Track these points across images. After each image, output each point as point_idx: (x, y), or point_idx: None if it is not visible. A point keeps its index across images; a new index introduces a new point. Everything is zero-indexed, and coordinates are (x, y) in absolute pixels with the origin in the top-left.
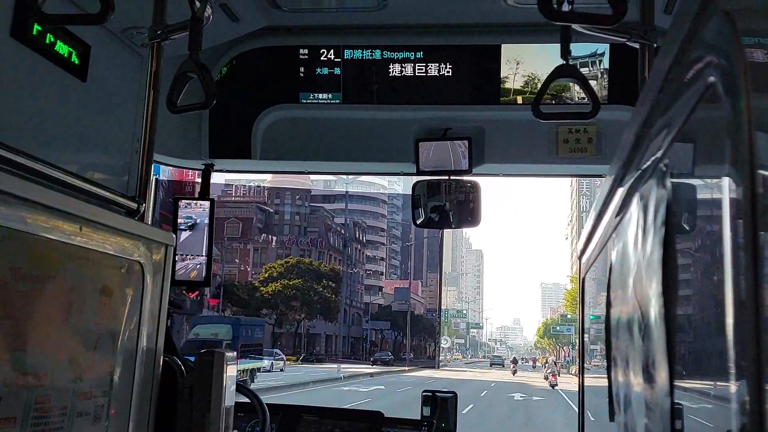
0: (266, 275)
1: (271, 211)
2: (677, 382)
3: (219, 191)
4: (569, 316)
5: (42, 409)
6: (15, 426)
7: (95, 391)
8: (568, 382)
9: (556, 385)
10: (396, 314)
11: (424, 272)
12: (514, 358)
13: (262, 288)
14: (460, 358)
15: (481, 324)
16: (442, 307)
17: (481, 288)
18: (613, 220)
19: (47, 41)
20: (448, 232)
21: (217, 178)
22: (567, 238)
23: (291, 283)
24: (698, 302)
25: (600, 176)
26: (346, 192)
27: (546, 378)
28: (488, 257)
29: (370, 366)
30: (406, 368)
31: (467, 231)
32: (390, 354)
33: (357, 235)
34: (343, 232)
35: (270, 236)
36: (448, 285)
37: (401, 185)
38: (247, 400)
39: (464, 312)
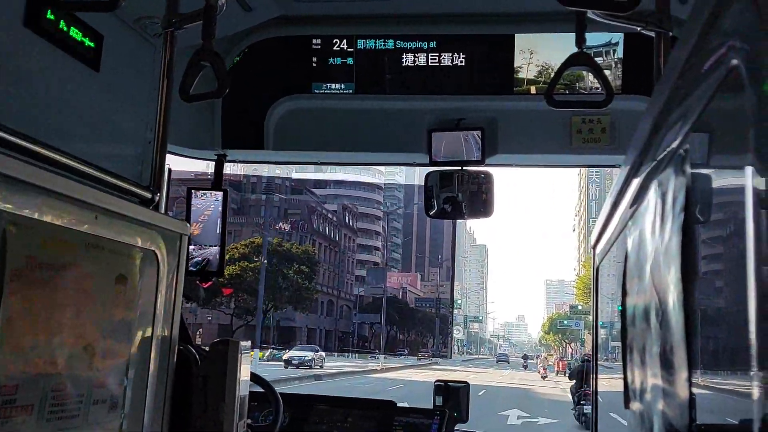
0: (227, 257)
1: (248, 190)
2: (696, 370)
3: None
4: (580, 308)
5: (58, 397)
6: (32, 414)
7: (111, 379)
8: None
9: (546, 376)
10: (387, 306)
11: (426, 266)
12: (525, 354)
13: None
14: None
15: (480, 317)
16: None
17: (485, 283)
18: (628, 209)
19: (60, 31)
20: (451, 225)
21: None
22: (574, 230)
23: (252, 265)
24: (718, 290)
25: (613, 166)
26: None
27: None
28: (493, 252)
29: (343, 365)
30: (378, 366)
31: (471, 225)
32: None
33: (347, 221)
34: (330, 216)
35: (246, 218)
36: (450, 280)
37: (402, 175)
38: (261, 389)
39: (458, 302)
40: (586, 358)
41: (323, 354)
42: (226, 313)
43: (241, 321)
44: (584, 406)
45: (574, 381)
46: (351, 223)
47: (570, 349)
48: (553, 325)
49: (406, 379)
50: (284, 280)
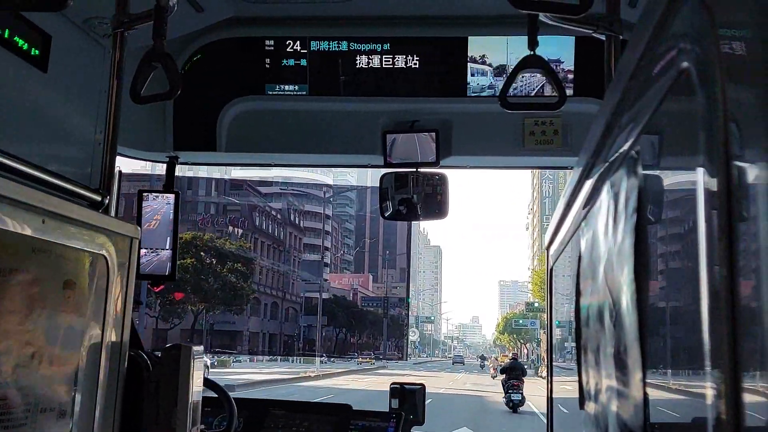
0: None
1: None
2: (649, 370)
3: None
4: (537, 305)
5: (4, 406)
6: None
7: (60, 386)
8: (537, 392)
9: (496, 376)
10: (335, 307)
11: (379, 268)
12: (482, 355)
13: None
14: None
15: (432, 317)
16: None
17: (439, 285)
18: (581, 210)
19: (7, 32)
20: (406, 226)
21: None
22: (528, 228)
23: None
24: (671, 290)
25: (566, 168)
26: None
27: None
28: (447, 254)
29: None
30: (314, 373)
31: (425, 227)
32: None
33: (292, 219)
34: (274, 213)
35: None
36: (404, 282)
37: (354, 176)
38: (214, 394)
39: (408, 300)
40: (513, 356)
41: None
42: (151, 316)
43: (168, 324)
44: (512, 394)
45: (504, 375)
46: (297, 221)
47: (525, 350)
48: (508, 324)
49: (343, 387)
50: (216, 279)
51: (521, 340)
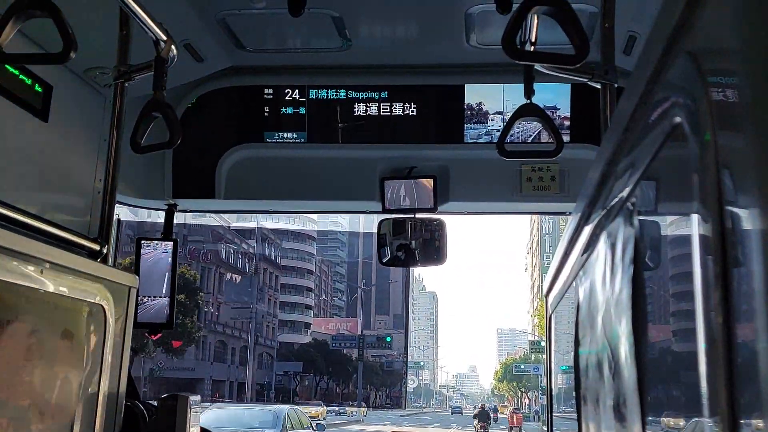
0: None
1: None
2: (649, 420)
3: None
4: (543, 344)
5: None
6: None
7: None
8: None
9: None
10: (314, 352)
11: (372, 314)
12: (483, 406)
13: None
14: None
15: (422, 363)
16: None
17: (435, 332)
18: (580, 257)
19: (8, 81)
20: (400, 273)
21: None
22: (527, 269)
23: None
24: (669, 340)
25: (563, 214)
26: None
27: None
28: (443, 300)
29: None
30: None
31: (420, 272)
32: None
33: (268, 254)
34: (244, 246)
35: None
36: (399, 329)
37: (346, 219)
38: None
39: (388, 339)
40: (493, 405)
41: None
42: None
43: None
44: None
45: (477, 420)
46: (273, 257)
47: (527, 399)
48: (508, 371)
49: None
50: None
51: (522, 389)
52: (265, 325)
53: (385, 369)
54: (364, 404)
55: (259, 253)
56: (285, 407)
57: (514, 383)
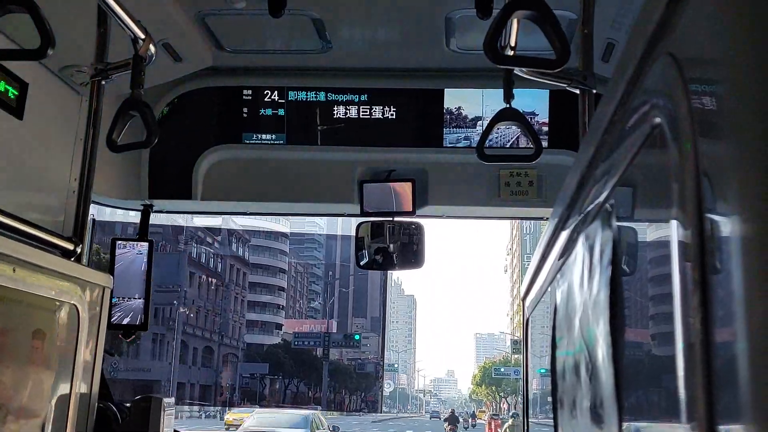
0: None
1: None
2: (625, 422)
3: None
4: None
5: None
6: None
7: None
8: None
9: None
10: (281, 353)
11: (349, 316)
12: (452, 411)
13: None
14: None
15: (396, 366)
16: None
17: (413, 336)
18: (557, 261)
19: None
20: (378, 275)
21: None
22: (506, 270)
23: None
24: (646, 343)
25: (541, 218)
26: None
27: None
28: (421, 304)
29: None
30: None
31: (399, 275)
32: None
33: (235, 250)
34: (210, 240)
35: None
36: (376, 332)
37: (324, 221)
38: None
39: (357, 336)
40: (471, 411)
41: None
42: None
43: None
44: None
45: (447, 423)
46: (241, 253)
47: (506, 404)
48: (487, 374)
49: None
50: None
51: (501, 393)
52: (230, 325)
53: (358, 372)
54: (334, 409)
55: (226, 248)
56: (310, 412)
57: (493, 387)
